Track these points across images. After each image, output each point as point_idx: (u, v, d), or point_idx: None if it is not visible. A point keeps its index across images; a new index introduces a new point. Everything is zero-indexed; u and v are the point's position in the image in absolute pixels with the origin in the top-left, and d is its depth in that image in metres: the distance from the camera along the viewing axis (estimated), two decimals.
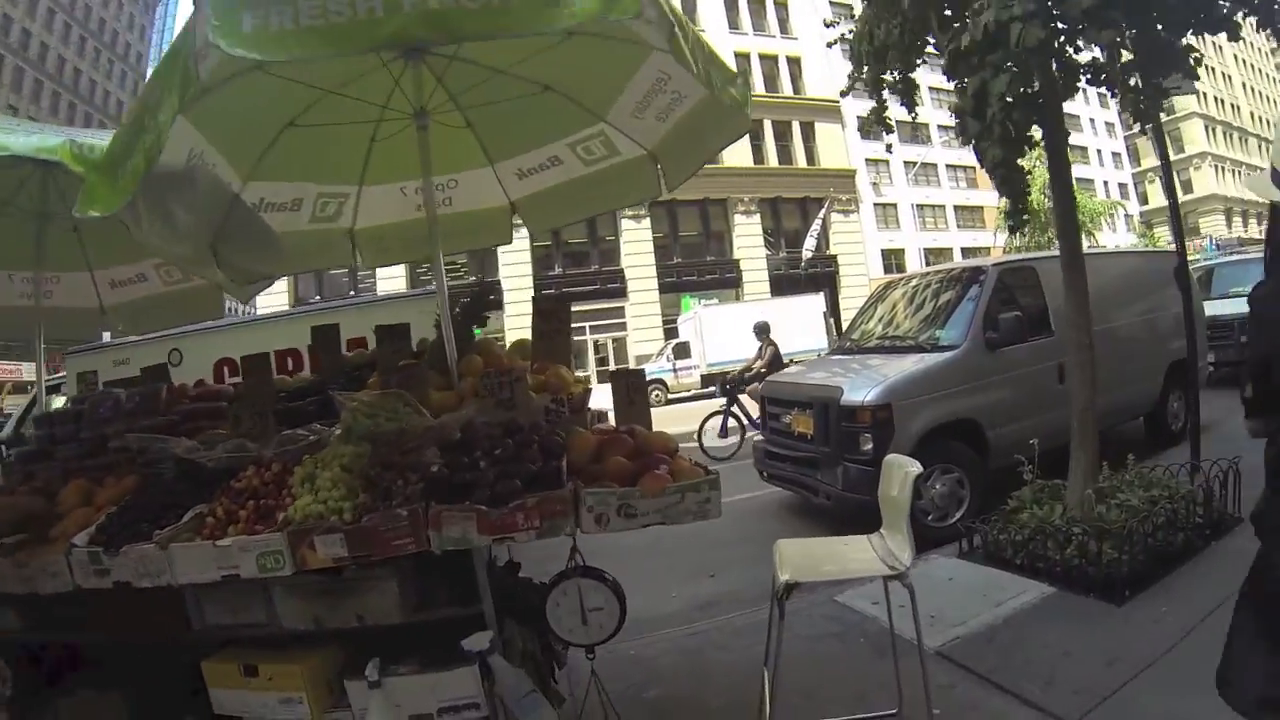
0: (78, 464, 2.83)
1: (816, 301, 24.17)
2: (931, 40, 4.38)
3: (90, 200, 2.02)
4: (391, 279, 23.17)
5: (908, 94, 4.84)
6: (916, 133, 33.78)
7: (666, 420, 2.74)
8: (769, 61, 31.66)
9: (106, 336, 4.84)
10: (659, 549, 4.82)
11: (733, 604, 4.19)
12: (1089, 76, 4.05)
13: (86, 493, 2.64)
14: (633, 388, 2.56)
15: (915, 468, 2.42)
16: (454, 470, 2.13)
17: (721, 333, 21.69)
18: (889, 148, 6.75)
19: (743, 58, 29.77)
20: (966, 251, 34.69)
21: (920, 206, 36.52)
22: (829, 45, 6.31)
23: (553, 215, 3.97)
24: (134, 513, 2.35)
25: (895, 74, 4.78)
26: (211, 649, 2.35)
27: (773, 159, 30.88)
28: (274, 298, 21.43)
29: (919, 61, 4.69)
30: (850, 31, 5.08)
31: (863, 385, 5.26)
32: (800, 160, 31.55)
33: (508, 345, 3.20)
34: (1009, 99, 3.58)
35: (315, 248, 3.81)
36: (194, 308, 4.31)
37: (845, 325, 11.12)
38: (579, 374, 2.99)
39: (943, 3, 4.23)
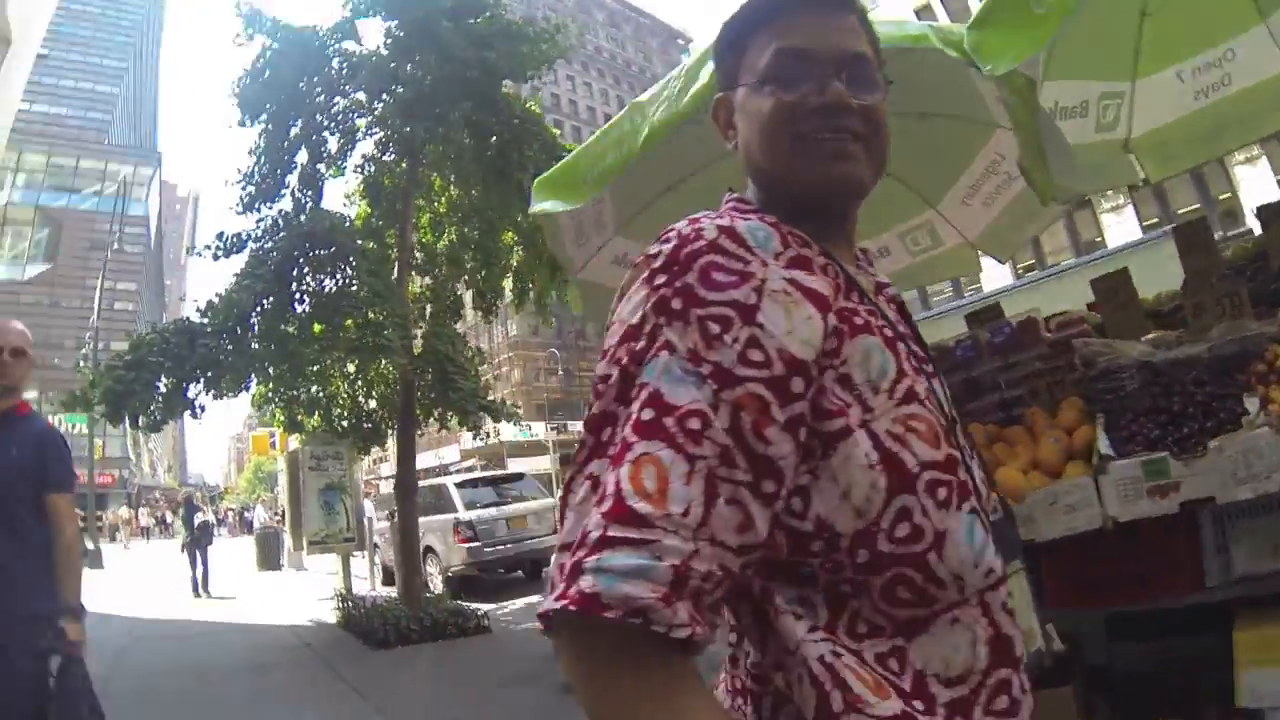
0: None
1: None
2: None
3: (989, 54, 1.70)
4: None
5: None
6: None
7: None
8: None
9: None
10: None
11: None
12: None
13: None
14: None
15: None
16: None
17: None
18: None
19: None
20: None
21: None
22: None
23: None
24: (1147, 418, 1.84)
25: None
26: (1234, 615, 1.66)
27: None
28: None
29: None
30: None
31: None
32: None
33: None
34: None
35: (1095, 166, 2.88)
36: (946, 272, 4.02)
37: None
38: None
39: None
